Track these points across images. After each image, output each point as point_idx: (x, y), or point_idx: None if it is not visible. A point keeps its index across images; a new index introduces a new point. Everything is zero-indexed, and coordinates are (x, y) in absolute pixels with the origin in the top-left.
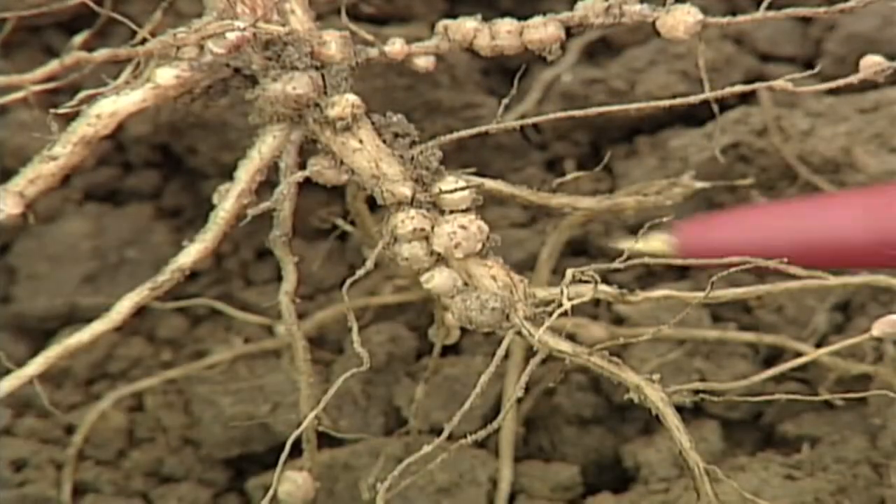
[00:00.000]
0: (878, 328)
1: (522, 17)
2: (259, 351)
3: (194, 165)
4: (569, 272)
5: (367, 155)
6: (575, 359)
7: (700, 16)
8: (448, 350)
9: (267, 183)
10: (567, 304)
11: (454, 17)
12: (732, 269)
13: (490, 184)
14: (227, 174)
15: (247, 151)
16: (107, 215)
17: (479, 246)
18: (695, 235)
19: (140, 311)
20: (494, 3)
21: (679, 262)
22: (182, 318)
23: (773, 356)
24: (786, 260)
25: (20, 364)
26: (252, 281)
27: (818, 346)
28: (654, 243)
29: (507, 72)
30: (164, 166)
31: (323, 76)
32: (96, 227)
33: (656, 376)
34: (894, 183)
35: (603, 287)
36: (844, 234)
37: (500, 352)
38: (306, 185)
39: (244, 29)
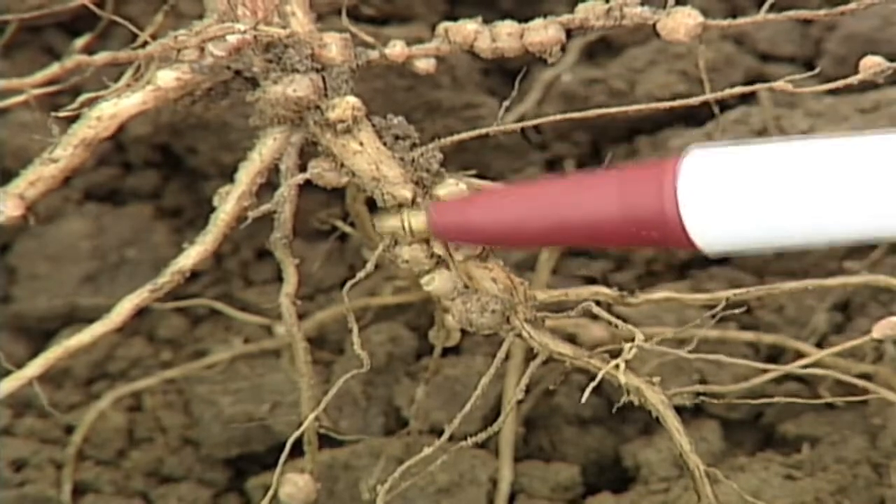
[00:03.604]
0: (879, 330)
1: (523, 19)
2: (259, 351)
3: (194, 165)
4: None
5: (367, 157)
6: (575, 361)
7: (701, 18)
8: (448, 351)
9: (267, 184)
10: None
11: (454, 18)
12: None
13: (491, 186)
14: (228, 175)
15: (247, 153)
16: (107, 215)
17: (480, 248)
18: (449, 214)
19: (140, 312)
20: (495, 4)
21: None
22: (182, 318)
23: (774, 356)
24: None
25: (20, 364)
26: (252, 281)
27: (818, 346)
28: (413, 222)
29: (507, 72)
30: (164, 166)
31: (324, 78)
32: (96, 227)
33: (656, 379)
34: (647, 163)
35: (603, 289)
36: (599, 215)
37: (501, 354)
38: (306, 186)
39: (245, 31)
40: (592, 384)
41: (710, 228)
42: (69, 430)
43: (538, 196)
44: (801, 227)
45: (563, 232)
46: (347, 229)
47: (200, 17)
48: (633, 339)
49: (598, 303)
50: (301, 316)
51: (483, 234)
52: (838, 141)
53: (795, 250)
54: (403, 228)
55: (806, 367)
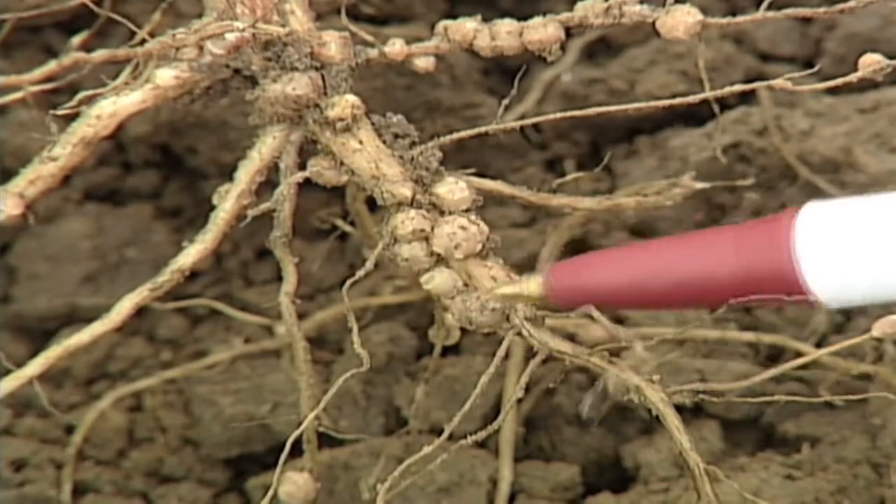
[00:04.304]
0: (879, 328)
1: (522, 18)
2: (259, 351)
3: (194, 165)
4: None
5: (366, 156)
6: (575, 359)
7: (700, 16)
8: (448, 350)
9: (267, 183)
10: None
11: (454, 17)
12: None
13: (490, 184)
14: (227, 174)
15: (247, 152)
16: (107, 215)
17: (479, 246)
18: (567, 278)
19: (140, 311)
20: (494, 3)
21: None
22: (182, 318)
23: (774, 356)
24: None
25: (20, 364)
26: (252, 281)
27: (818, 346)
28: (530, 287)
29: (507, 71)
30: (164, 166)
31: (323, 77)
32: (96, 227)
33: (656, 377)
34: (765, 219)
35: None
36: (717, 273)
37: (500, 352)
38: (306, 185)
39: (243, 30)
40: (594, 389)
41: (830, 283)
42: (69, 430)
43: (655, 257)
44: None
45: (682, 291)
46: (347, 228)
47: (200, 15)
48: (641, 343)
49: None
50: (301, 316)
51: (601, 298)
52: None
53: None
54: (521, 296)
55: (805, 367)
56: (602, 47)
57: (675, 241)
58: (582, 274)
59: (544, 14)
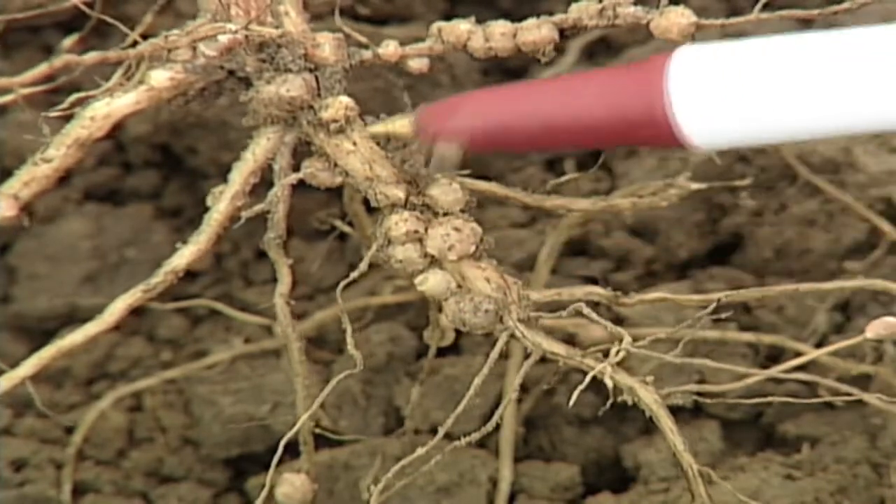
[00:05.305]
0: (873, 329)
1: (522, 18)
2: (259, 351)
3: (194, 165)
4: None
5: (360, 157)
6: (568, 361)
7: (694, 17)
8: (448, 350)
9: (266, 184)
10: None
11: (454, 17)
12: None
13: (484, 185)
14: (227, 174)
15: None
16: (107, 215)
17: (473, 248)
18: (437, 117)
19: (140, 311)
20: (494, 3)
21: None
22: (182, 318)
23: (774, 356)
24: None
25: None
26: (252, 281)
27: (818, 346)
28: (398, 124)
29: (506, 71)
30: (164, 166)
31: (317, 78)
32: (96, 227)
33: (650, 378)
34: (637, 64)
35: (597, 289)
36: (587, 113)
37: (494, 354)
38: (305, 186)
39: (236, 31)
40: (581, 386)
41: (701, 124)
42: (69, 430)
43: (525, 100)
44: (793, 120)
45: (552, 135)
46: (346, 229)
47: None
48: (630, 340)
49: (596, 303)
50: (301, 315)
51: (469, 138)
52: (829, 35)
53: (790, 143)
54: (392, 134)
55: (804, 367)
56: (602, 47)
57: (549, 83)
58: (452, 115)
59: (543, 15)
